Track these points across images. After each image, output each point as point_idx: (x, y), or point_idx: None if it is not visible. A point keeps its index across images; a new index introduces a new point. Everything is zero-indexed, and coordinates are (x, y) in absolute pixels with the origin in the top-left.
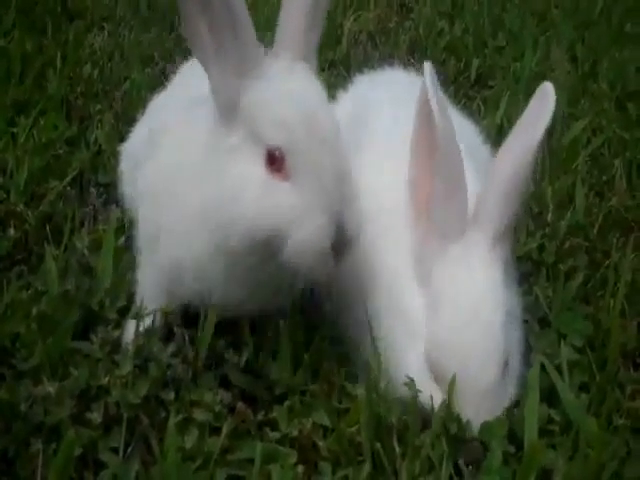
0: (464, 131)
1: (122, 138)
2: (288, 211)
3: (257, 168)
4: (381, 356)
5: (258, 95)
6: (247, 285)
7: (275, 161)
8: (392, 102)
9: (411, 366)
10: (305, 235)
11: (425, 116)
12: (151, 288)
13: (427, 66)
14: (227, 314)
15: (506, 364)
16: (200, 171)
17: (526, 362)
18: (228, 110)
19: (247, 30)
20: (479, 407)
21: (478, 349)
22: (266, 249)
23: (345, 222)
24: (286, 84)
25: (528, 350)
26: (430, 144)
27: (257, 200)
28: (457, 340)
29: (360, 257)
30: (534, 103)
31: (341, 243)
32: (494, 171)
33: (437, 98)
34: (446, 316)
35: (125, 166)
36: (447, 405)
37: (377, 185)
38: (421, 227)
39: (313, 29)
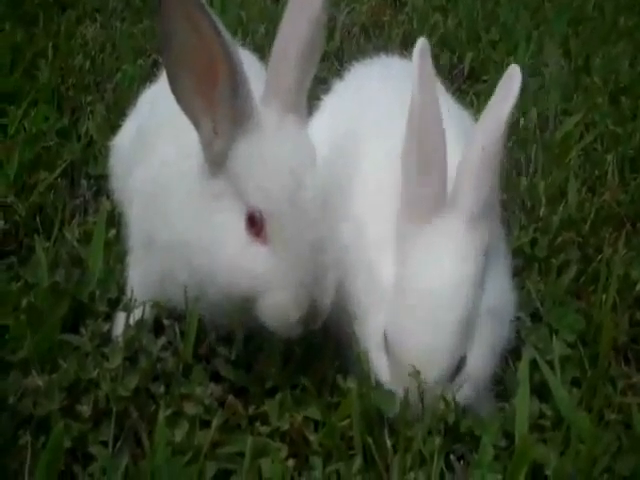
0: (458, 117)
1: (114, 130)
2: (262, 277)
3: (238, 225)
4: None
5: (246, 153)
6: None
7: (255, 224)
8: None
9: (371, 334)
10: (274, 304)
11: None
12: (142, 285)
13: (420, 43)
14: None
15: (458, 367)
16: (186, 201)
17: (503, 357)
18: (217, 162)
19: (242, 83)
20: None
21: (426, 341)
22: (241, 302)
23: (318, 295)
24: (274, 144)
25: (515, 343)
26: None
27: (233, 259)
28: (409, 326)
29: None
30: (501, 85)
31: (312, 315)
32: (466, 152)
33: (422, 72)
34: (405, 299)
35: (116, 162)
36: (442, 397)
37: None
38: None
39: (304, 78)
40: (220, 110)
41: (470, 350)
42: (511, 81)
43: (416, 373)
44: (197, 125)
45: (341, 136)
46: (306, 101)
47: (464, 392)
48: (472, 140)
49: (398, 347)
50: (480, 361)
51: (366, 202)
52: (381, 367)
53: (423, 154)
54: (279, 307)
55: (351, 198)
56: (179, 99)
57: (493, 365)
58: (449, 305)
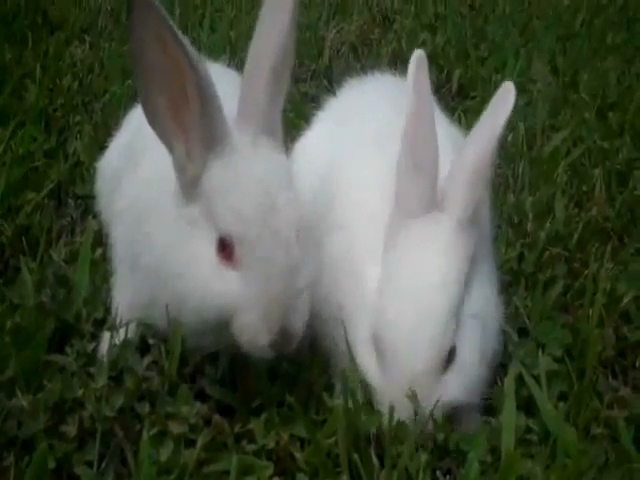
0: (448, 128)
1: (101, 150)
2: (233, 301)
3: (209, 249)
4: (357, 364)
5: (218, 177)
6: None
7: (226, 248)
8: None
9: (359, 338)
10: (244, 327)
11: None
12: (126, 305)
13: (417, 54)
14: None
15: (448, 360)
16: (163, 225)
17: (493, 363)
18: (190, 186)
19: (213, 105)
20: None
21: (412, 332)
22: (216, 326)
23: (291, 318)
24: (246, 167)
25: (502, 358)
26: None
27: (205, 283)
28: (395, 319)
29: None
30: (496, 98)
31: (284, 338)
32: (460, 158)
33: (418, 79)
34: (391, 293)
35: (101, 182)
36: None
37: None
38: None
39: (276, 99)
40: (192, 133)
41: (459, 348)
42: (506, 96)
43: (406, 370)
44: (170, 149)
45: (334, 148)
46: (280, 122)
47: (454, 391)
48: (465, 147)
49: (386, 339)
50: (468, 358)
51: (356, 212)
52: (371, 370)
53: (415, 155)
54: (249, 330)
55: (341, 208)
56: (152, 122)
57: (483, 369)
58: (433, 295)
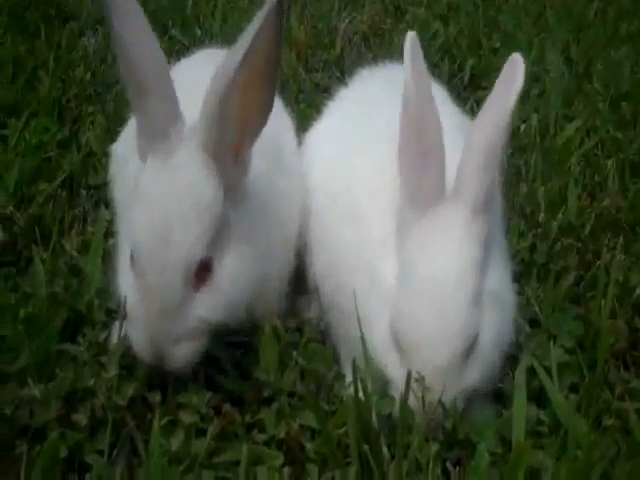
0: (451, 110)
1: (114, 141)
2: (128, 305)
3: (128, 251)
4: (368, 353)
5: (141, 180)
6: None
7: (132, 258)
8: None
9: (378, 335)
10: (130, 336)
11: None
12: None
13: (410, 35)
14: None
15: (471, 346)
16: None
17: (507, 345)
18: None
19: (161, 100)
20: (433, 388)
21: (436, 326)
22: None
23: (165, 358)
24: (162, 182)
25: (514, 349)
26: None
27: (120, 279)
28: (417, 314)
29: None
30: (504, 73)
31: (164, 365)
32: (470, 141)
33: (413, 65)
34: (411, 288)
35: (114, 168)
36: (439, 403)
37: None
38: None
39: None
40: (142, 114)
41: (480, 331)
42: (514, 69)
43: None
44: (135, 112)
45: (346, 137)
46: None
47: (475, 374)
48: (475, 129)
49: (407, 335)
50: (488, 343)
51: (369, 202)
52: (392, 365)
53: (421, 143)
54: (133, 342)
55: (354, 198)
56: (127, 85)
57: (501, 350)
58: (454, 287)
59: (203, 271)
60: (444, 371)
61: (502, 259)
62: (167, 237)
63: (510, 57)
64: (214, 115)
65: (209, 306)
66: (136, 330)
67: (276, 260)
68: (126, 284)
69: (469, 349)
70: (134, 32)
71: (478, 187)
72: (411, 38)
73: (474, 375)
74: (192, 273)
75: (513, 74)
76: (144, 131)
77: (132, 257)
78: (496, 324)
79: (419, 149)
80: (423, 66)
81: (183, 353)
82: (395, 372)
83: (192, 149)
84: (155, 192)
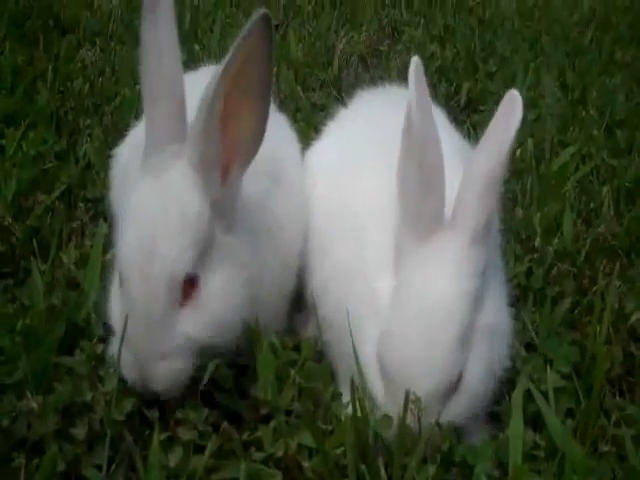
0: (450, 135)
1: (111, 153)
2: (115, 325)
3: None
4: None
5: (132, 194)
6: None
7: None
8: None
9: (365, 356)
10: (115, 355)
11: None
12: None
13: (414, 60)
14: None
15: (455, 382)
16: None
17: (499, 373)
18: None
19: (157, 122)
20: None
21: (420, 359)
22: None
23: (148, 379)
24: (150, 200)
25: (510, 373)
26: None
27: (110, 294)
28: (402, 344)
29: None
30: (503, 108)
31: (150, 390)
32: (469, 172)
33: (418, 93)
34: (400, 317)
35: (115, 171)
36: (436, 425)
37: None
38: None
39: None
40: (150, 125)
41: (466, 366)
42: (513, 104)
43: (410, 394)
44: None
45: (344, 157)
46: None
47: (459, 409)
48: (474, 161)
49: (391, 361)
50: (476, 378)
51: (368, 221)
52: (376, 385)
53: (423, 172)
54: (119, 358)
55: (352, 216)
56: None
57: (490, 383)
58: (445, 322)
59: (189, 287)
60: (424, 404)
61: (499, 288)
62: (152, 250)
63: (508, 93)
64: (200, 130)
65: (195, 323)
66: (121, 349)
67: (273, 282)
68: (115, 301)
69: (453, 384)
70: (160, 39)
71: (477, 216)
72: (415, 64)
73: (457, 410)
74: (177, 287)
75: (512, 109)
76: (147, 142)
77: (119, 274)
78: (486, 358)
79: (420, 177)
80: (427, 93)
81: (167, 371)
82: (378, 393)
83: (182, 165)
84: (142, 206)
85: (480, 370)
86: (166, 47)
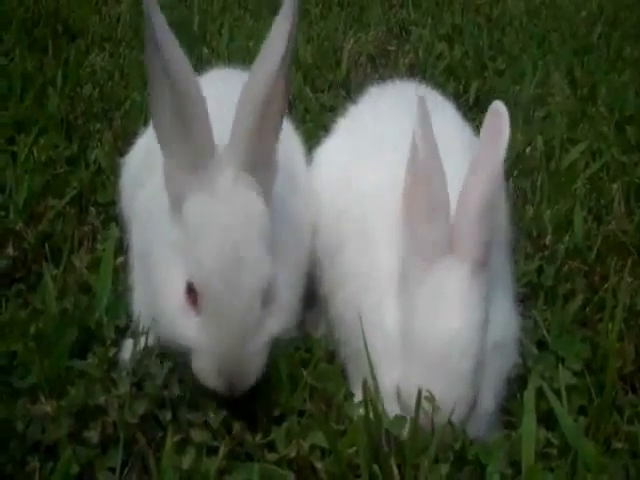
0: (462, 130)
1: (122, 156)
2: (191, 342)
3: (180, 285)
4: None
5: (194, 213)
6: None
7: (191, 293)
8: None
9: (382, 384)
10: (197, 368)
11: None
12: (145, 307)
13: (420, 95)
14: None
15: (473, 406)
16: (159, 235)
17: (510, 389)
18: (174, 202)
19: (201, 127)
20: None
21: (442, 390)
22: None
23: (242, 374)
24: (219, 212)
25: (522, 372)
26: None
27: (171, 317)
28: (422, 380)
29: (353, 267)
30: (488, 124)
31: (234, 387)
32: (463, 198)
33: (423, 126)
34: (416, 359)
35: (124, 180)
36: (448, 424)
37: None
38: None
39: (268, 135)
40: (181, 147)
41: (480, 388)
42: (499, 120)
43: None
44: (163, 152)
45: (353, 156)
46: (272, 159)
47: (476, 427)
48: (468, 187)
49: (410, 398)
50: (491, 397)
51: (376, 219)
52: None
53: (428, 202)
54: (201, 373)
55: (362, 215)
56: (154, 123)
57: (501, 396)
58: (461, 355)
59: (269, 287)
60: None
61: (505, 297)
62: (238, 260)
63: (491, 107)
64: (245, 132)
65: (276, 320)
66: (207, 363)
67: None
68: (181, 323)
69: (471, 409)
70: (175, 66)
71: (476, 241)
72: (421, 101)
73: (475, 428)
74: (265, 290)
75: (498, 126)
76: (181, 168)
77: (190, 293)
78: (498, 375)
79: (426, 207)
80: (431, 128)
81: (256, 369)
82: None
83: (233, 172)
84: (212, 221)
85: (494, 388)
86: (182, 69)
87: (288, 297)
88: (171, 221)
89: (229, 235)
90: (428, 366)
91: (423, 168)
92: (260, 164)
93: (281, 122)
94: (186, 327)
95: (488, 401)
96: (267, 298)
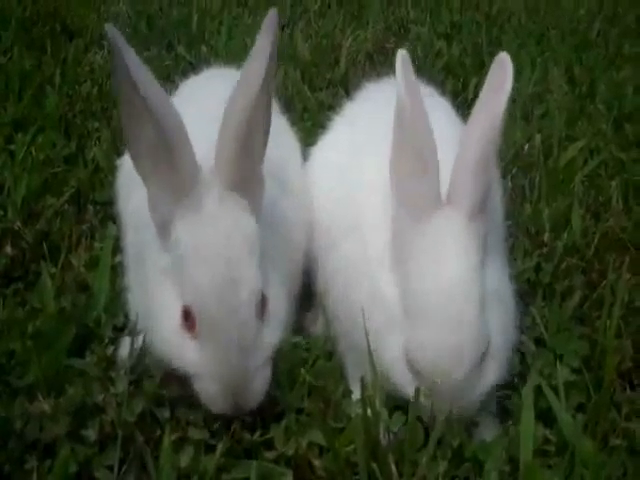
0: (454, 124)
1: (120, 156)
2: (191, 367)
3: (174, 313)
4: (376, 373)
5: (183, 237)
6: None
7: (188, 318)
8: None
9: (389, 354)
10: (200, 391)
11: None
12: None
13: (400, 52)
14: None
15: (484, 353)
16: (151, 249)
17: (515, 335)
18: (162, 230)
19: (184, 156)
20: (449, 402)
21: (451, 346)
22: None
23: (245, 394)
24: (209, 234)
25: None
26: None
27: (168, 342)
28: (430, 339)
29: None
30: (492, 74)
31: (238, 407)
32: (462, 147)
33: (406, 79)
34: (420, 312)
35: (121, 183)
36: (446, 421)
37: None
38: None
39: (252, 154)
40: (163, 175)
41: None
42: (503, 70)
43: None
44: (144, 181)
45: (350, 151)
46: (258, 178)
47: (490, 377)
48: (467, 135)
49: (423, 360)
50: (500, 342)
51: (371, 214)
52: (407, 384)
53: (416, 154)
54: (204, 395)
55: (357, 210)
56: (131, 154)
57: (508, 348)
58: (463, 302)
59: (262, 298)
60: (463, 384)
61: (500, 259)
62: (232, 282)
63: (497, 56)
64: (229, 154)
65: (273, 331)
66: (211, 386)
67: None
68: (180, 349)
69: (484, 355)
70: (154, 101)
71: (473, 194)
72: (402, 56)
73: (490, 377)
74: (259, 305)
75: (502, 76)
76: (166, 196)
77: (186, 318)
78: (502, 322)
79: (414, 160)
80: (415, 81)
81: (262, 384)
82: (411, 390)
83: (218, 192)
84: (203, 246)
85: (500, 334)
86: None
87: (281, 302)
88: (160, 248)
89: (220, 256)
90: (433, 317)
91: (409, 120)
92: (246, 180)
93: (266, 138)
94: (184, 352)
95: (499, 347)
96: (260, 309)
